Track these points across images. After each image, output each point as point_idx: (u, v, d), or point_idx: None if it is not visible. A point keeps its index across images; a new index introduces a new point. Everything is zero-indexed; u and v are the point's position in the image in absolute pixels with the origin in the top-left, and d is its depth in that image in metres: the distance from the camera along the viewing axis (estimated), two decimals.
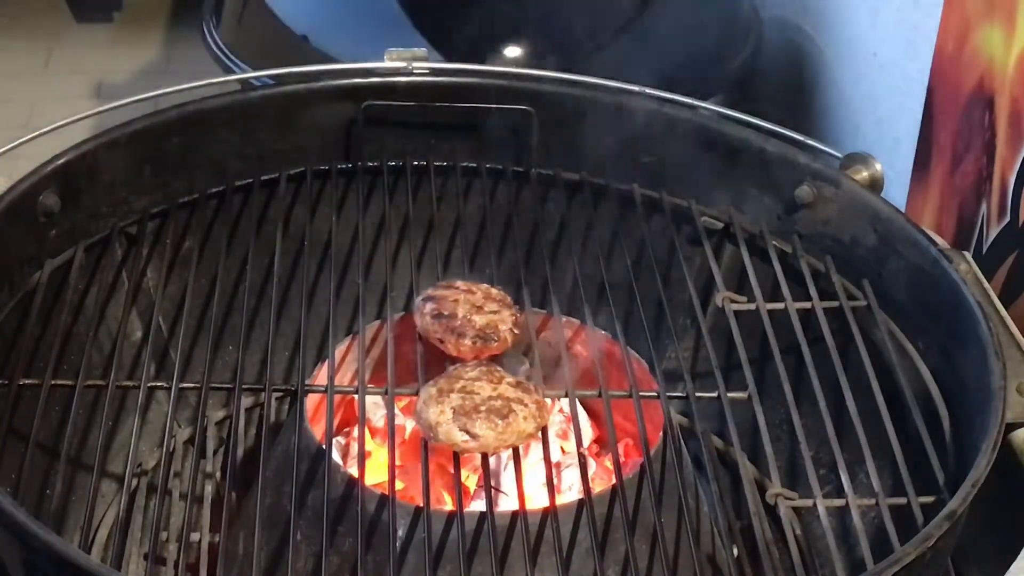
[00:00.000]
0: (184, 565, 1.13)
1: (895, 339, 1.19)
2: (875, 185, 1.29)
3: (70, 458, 1.15)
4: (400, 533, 1.04)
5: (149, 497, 1.29)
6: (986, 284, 1.20)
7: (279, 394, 1.33)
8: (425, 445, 1.05)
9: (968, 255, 1.24)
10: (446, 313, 1.15)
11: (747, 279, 1.24)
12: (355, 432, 1.13)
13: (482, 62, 1.65)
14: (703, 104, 1.42)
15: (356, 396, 1.10)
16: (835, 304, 1.21)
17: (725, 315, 1.21)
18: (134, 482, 1.28)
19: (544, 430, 1.07)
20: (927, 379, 1.16)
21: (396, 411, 1.15)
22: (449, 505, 1.12)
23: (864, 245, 1.25)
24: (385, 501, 1.03)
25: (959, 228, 1.50)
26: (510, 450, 1.06)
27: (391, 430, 1.06)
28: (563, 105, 1.38)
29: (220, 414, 1.36)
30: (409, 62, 1.37)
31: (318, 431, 1.13)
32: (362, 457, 1.03)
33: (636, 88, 1.38)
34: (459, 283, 1.19)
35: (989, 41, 1.42)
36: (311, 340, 1.22)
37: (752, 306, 1.21)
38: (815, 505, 1.04)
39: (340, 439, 1.21)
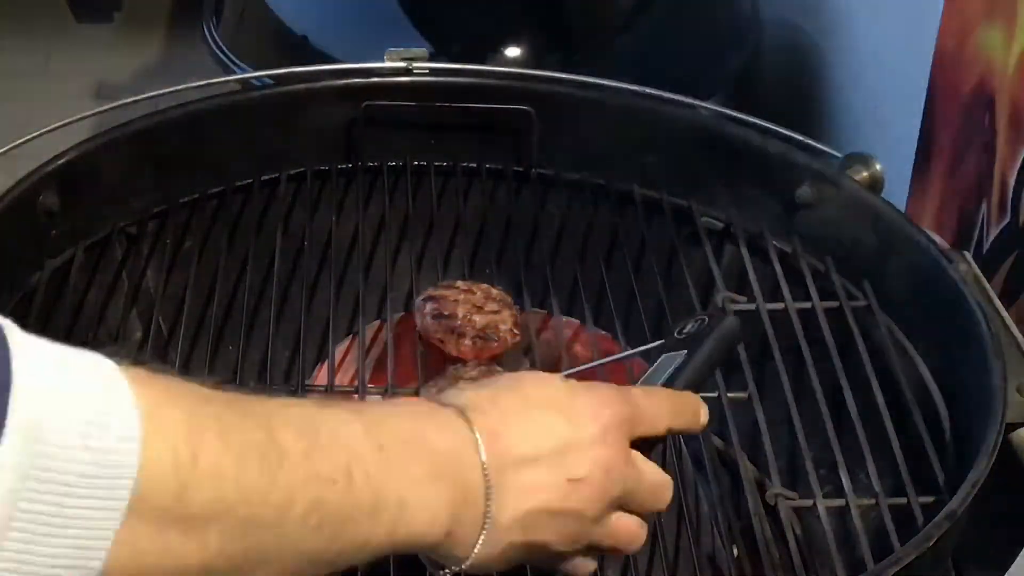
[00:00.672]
0: None
1: (895, 339, 1.19)
2: (875, 185, 1.29)
3: None
4: None
5: None
6: (986, 284, 1.20)
7: (279, 394, 1.33)
8: None
9: (968, 255, 1.24)
10: (446, 313, 1.15)
11: (747, 279, 1.24)
12: None
13: (482, 62, 1.65)
14: (703, 104, 1.42)
15: (356, 396, 1.10)
16: (835, 304, 1.21)
17: (725, 315, 1.21)
18: None
19: None
20: (927, 379, 1.16)
21: None
22: None
23: (864, 245, 1.25)
24: None
25: (959, 228, 1.50)
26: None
27: None
28: (563, 105, 1.37)
29: None
30: (409, 62, 1.37)
31: None
32: None
33: (636, 88, 1.38)
34: (459, 283, 1.19)
35: (989, 41, 1.42)
36: (311, 340, 1.22)
37: (752, 306, 1.21)
38: (815, 505, 1.04)
39: None
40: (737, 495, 1.22)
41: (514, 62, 1.75)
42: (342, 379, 1.20)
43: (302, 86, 1.38)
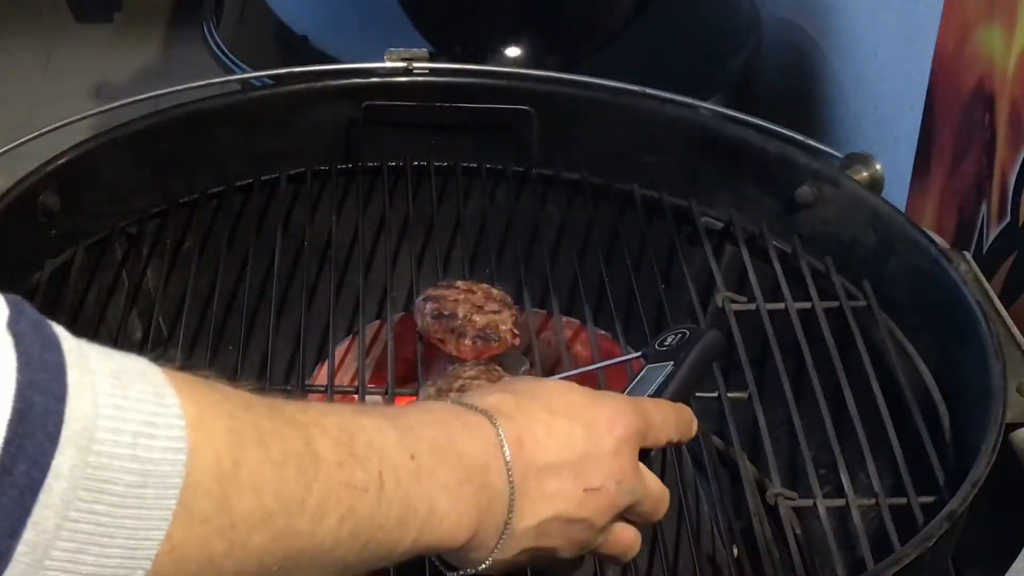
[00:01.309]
0: None
1: (895, 339, 1.19)
2: (875, 185, 1.29)
3: None
4: None
5: None
6: (986, 284, 1.20)
7: (279, 394, 1.33)
8: None
9: (968, 255, 1.24)
10: (446, 313, 1.15)
11: (747, 279, 1.24)
12: None
13: (482, 62, 1.65)
14: (703, 104, 1.42)
15: (356, 396, 1.10)
16: (835, 304, 1.21)
17: (725, 315, 1.21)
18: None
19: None
20: (927, 379, 1.16)
21: None
22: None
23: (864, 245, 1.25)
24: None
25: (959, 228, 1.50)
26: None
27: None
28: (563, 105, 1.38)
29: None
30: (409, 62, 1.37)
31: None
32: None
33: (636, 88, 1.38)
34: (460, 283, 1.19)
35: (989, 41, 1.42)
36: (311, 340, 1.22)
37: (752, 306, 1.21)
38: (815, 505, 1.04)
39: None
40: (737, 495, 1.22)
41: (514, 62, 1.75)
42: (342, 379, 1.20)
43: (302, 86, 1.38)
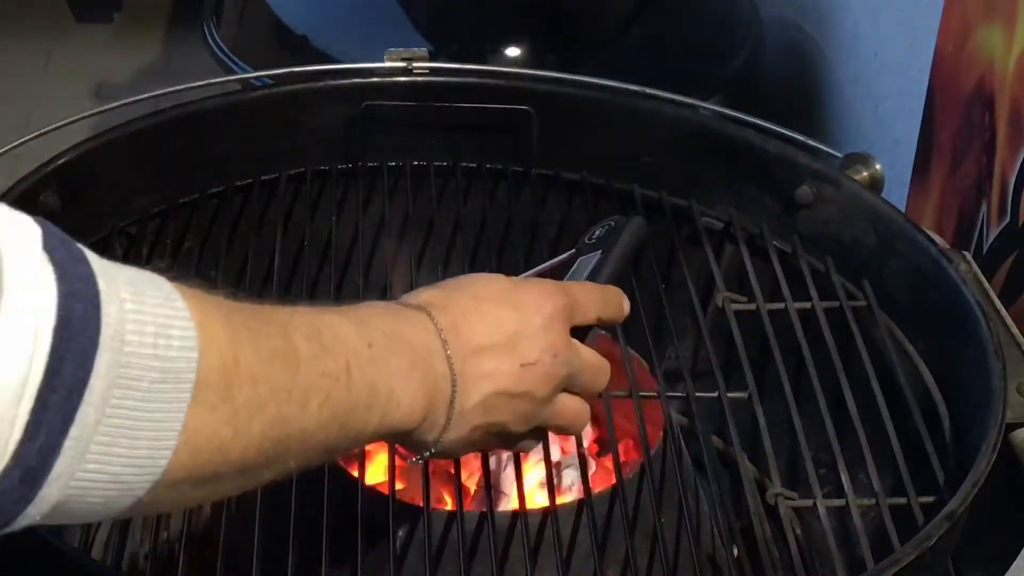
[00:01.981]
0: (184, 565, 1.13)
1: (895, 339, 1.19)
2: (875, 185, 1.29)
3: None
4: (400, 533, 1.04)
5: None
6: (986, 284, 1.20)
7: None
8: None
9: (968, 255, 1.24)
10: None
11: (747, 279, 1.24)
12: None
13: (482, 62, 1.65)
14: (703, 104, 1.42)
15: None
16: (835, 304, 1.21)
17: (725, 315, 1.21)
18: None
19: None
20: (927, 379, 1.16)
21: None
22: (449, 505, 1.12)
23: (864, 245, 1.25)
24: (385, 501, 1.03)
25: (959, 228, 1.50)
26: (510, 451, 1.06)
27: None
28: (563, 105, 1.38)
29: None
30: (409, 62, 1.37)
31: None
32: (363, 457, 1.04)
33: (636, 88, 1.38)
34: None
35: (989, 41, 1.42)
36: None
37: (752, 306, 1.21)
38: (815, 505, 1.04)
39: None
40: (737, 495, 1.22)
41: (514, 62, 1.75)
42: None
43: (302, 86, 1.38)
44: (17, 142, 1.28)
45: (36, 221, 0.60)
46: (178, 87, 1.38)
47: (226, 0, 1.96)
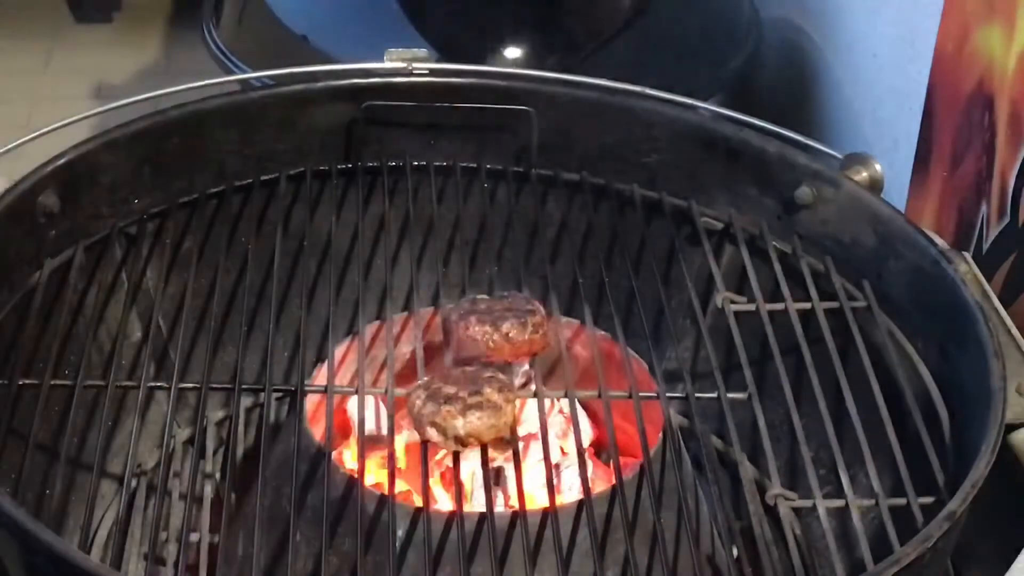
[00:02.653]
0: (184, 565, 1.13)
1: (895, 340, 1.19)
2: (875, 185, 1.29)
3: (70, 458, 1.15)
4: (399, 533, 1.04)
5: (149, 497, 1.29)
6: (986, 284, 1.20)
7: (279, 394, 1.33)
8: (424, 445, 1.05)
9: (968, 255, 1.24)
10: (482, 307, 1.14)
11: (747, 279, 1.24)
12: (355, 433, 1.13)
13: (482, 62, 1.65)
14: (703, 104, 1.42)
15: (355, 396, 1.10)
16: (835, 305, 1.21)
17: (725, 315, 1.21)
18: (134, 482, 1.28)
19: (544, 430, 1.07)
20: (927, 379, 1.16)
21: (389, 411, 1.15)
22: (449, 505, 1.12)
23: (864, 246, 1.25)
24: (384, 501, 1.03)
25: (959, 228, 1.50)
26: (510, 450, 1.06)
27: (390, 430, 1.06)
28: (563, 105, 1.37)
29: (220, 414, 1.36)
30: (409, 62, 1.37)
31: (317, 431, 1.13)
32: (362, 457, 1.04)
33: (636, 88, 1.38)
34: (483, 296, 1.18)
35: (989, 41, 1.42)
36: (311, 340, 1.22)
37: (752, 306, 1.21)
38: (815, 505, 1.04)
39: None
40: (737, 495, 1.22)
41: (514, 62, 1.75)
42: (342, 379, 1.20)
43: (302, 86, 1.38)
44: (17, 142, 1.28)
45: None
46: (178, 87, 1.38)
47: (226, 0, 1.95)
